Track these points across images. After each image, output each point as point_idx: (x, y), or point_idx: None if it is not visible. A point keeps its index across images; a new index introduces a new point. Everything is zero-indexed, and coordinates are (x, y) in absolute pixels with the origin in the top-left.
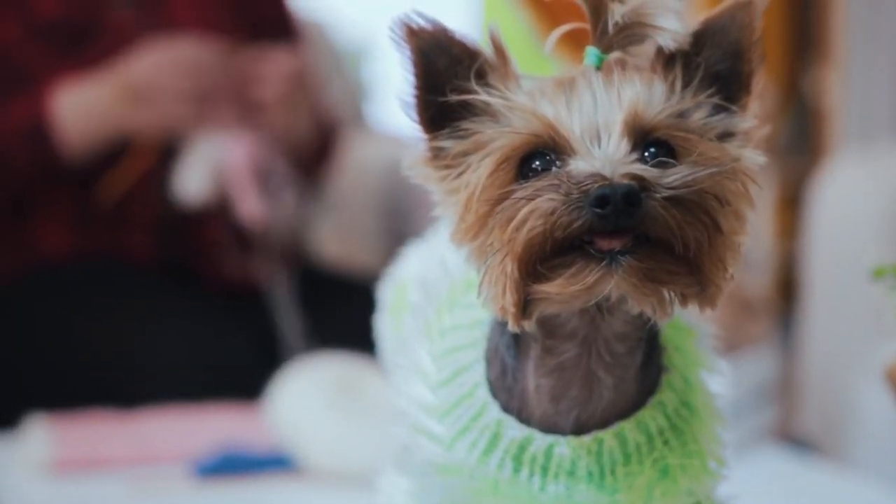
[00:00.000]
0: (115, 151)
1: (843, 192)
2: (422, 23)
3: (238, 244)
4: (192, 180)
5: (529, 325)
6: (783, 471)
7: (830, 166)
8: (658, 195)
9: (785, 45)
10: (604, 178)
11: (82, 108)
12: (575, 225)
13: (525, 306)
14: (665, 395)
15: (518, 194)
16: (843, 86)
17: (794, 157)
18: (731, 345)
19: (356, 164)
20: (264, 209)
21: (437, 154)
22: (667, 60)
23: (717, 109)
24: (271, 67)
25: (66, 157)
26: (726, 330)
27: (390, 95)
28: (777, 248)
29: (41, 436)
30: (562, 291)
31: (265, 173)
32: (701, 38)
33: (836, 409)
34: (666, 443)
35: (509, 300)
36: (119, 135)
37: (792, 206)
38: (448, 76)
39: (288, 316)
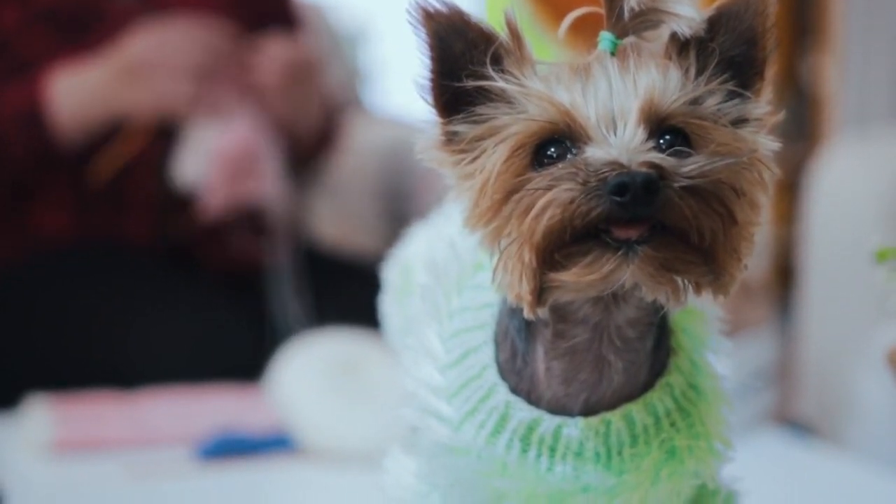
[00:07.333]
0: (112, 134)
1: (840, 177)
2: (438, 6)
3: (242, 225)
4: (190, 165)
5: (543, 312)
6: (781, 453)
7: (828, 152)
8: (675, 184)
9: (783, 31)
10: (622, 165)
11: (79, 91)
12: (593, 213)
13: (540, 294)
14: (673, 378)
15: (535, 183)
16: (840, 72)
17: (791, 142)
18: (731, 329)
19: (354, 147)
20: (229, 199)
21: (451, 138)
22: (681, 46)
23: (731, 95)
24: (272, 54)
25: (62, 141)
26: (726, 314)
27: (388, 79)
28: (775, 234)
29: (42, 417)
30: (578, 280)
31: (253, 157)
32: (715, 23)
33: (834, 393)
34: (673, 424)
35: (525, 288)
36: (117, 117)
37: (790, 191)
38: (464, 60)
39: (284, 298)
